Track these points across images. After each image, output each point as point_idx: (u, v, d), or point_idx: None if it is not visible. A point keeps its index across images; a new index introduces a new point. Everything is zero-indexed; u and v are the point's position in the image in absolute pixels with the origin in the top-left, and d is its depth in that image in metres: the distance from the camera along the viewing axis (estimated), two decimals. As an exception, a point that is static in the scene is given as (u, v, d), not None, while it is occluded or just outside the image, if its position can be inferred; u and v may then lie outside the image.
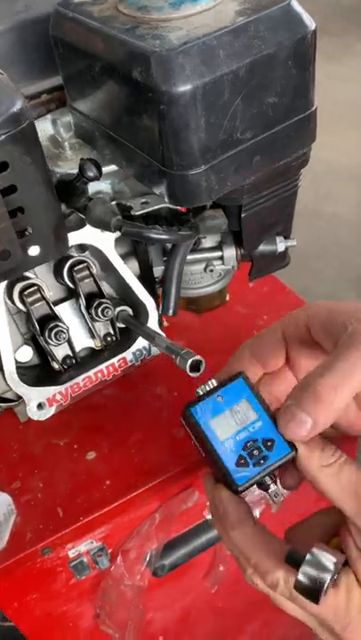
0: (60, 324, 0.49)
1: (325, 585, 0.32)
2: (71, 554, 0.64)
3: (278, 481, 0.37)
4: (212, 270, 0.53)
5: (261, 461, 0.35)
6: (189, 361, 0.42)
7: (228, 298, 0.59)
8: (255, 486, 0.36)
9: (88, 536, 0.64)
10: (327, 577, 0.32)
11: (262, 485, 0.37)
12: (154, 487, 0.64)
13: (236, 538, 0.36)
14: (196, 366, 0.44)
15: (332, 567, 0.33)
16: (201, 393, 0.37)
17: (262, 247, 0.52)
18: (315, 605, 0.33)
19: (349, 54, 3.33)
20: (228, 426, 0.36)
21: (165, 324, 0.79)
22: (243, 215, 0.48)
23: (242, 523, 0.36)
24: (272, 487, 0.37)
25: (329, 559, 0.33)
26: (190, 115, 0.38)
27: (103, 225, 0.44)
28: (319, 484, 0.34)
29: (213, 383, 0.37)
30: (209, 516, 0.72)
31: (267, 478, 0.36)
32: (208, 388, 0.37)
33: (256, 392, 0.36)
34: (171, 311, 0.52)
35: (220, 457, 0.35)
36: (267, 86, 0.41)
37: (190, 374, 0.44)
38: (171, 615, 0.82)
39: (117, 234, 0.48)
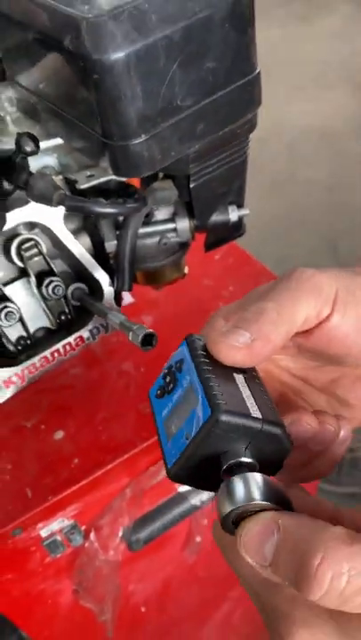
0: (10, 304, 0.48)
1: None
2: (43, 533, 0.64)
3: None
4: (165, 243, 0.52)
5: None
6: (140, 336, 0.42)
7: (186, 270, 0.59)
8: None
9: (59, 515, 0.64)
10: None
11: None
12: (122, 463, 0.65)
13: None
14: (148, 340, 0.43)
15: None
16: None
17: (215, 217, 0.51)
18: None
19: (322, 15, 3.27)
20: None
21: (131, 299, 0.78)
22: (191, 185, 0.47)
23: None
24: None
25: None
26: (125, 83, 0.37)
27: (45, 200, 0.42)
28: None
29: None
30: (181, 489, 0.73)
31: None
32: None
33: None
34: (125, 286, 0.51)
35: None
36: (204, 51, 0.39)
37: (142, 349, 0.43)
38: (152, 586, 0.84)
39: (64, 210, 0.47)
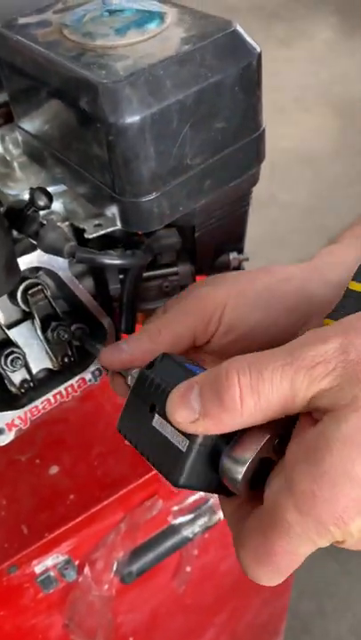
0: (17, 349, 0.48)
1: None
2: (37, 570, 0.64)
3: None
4: (167, 286, 0.53)
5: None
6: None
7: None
8: None
9: (54, 551, 0.64)
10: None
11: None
12: (118, 499, 0.65)
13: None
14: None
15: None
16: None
17: (216, 263, 0.52)
18: None
19: (301, 39, 3.35)
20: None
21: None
22: (196, 235, 0.48)
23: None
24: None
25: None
26: (139, 145, 0.38)
27: (56, 252, 0.43)
28: None
29: None
30: (174, 522, 0.74)
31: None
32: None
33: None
34: (129, 328, 0.52)
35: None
36: (215, 113, 0.41)
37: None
38: (140, 617, 0.84)
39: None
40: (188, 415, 0.29)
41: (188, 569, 0.82)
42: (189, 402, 0.29)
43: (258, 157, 0.46)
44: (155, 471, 0.67)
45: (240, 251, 0.54)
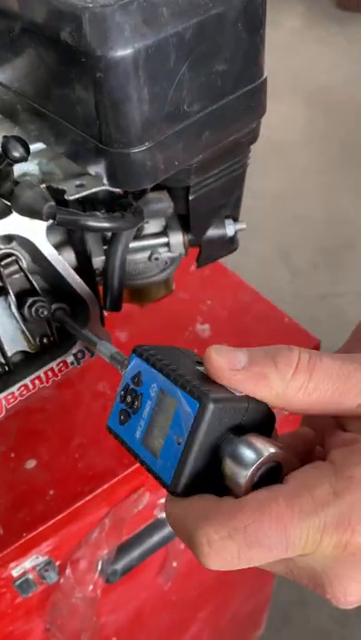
0: (-12, 327, 0.43)
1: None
2: (15, 573, 0.59)
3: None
4: (157, 259, 0.48)
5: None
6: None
7: (174, 287, 0.55)
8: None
9: (33, 552, 0.58)
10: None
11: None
12: (101, 493, 0.60)
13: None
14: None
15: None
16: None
17: (211, 231, 0.48)
18: None
19: (269, 27, 3.32)
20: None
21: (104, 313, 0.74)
22: (190, 197, 0.43)
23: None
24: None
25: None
26: (131, 83, 0.33)
27: (33, 213, 0.38)
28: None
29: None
30: (160, 515, 0.69)
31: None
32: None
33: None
34: (115, 306, 0.47)
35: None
36: (215, 51, 0.36)
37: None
38: (124, 616, 0.79)
39: (50, 222, 0.42)
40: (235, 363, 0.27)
41: (175, 564, 0.78)
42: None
43: (259, 109, 0.42)
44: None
45: (235, 218, 0.49)
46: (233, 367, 0.27)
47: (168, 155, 0.37)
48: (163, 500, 0.67)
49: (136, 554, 0.69)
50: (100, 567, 0.64)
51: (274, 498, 0.24)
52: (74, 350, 0.48)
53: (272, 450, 0.27)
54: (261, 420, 0.29)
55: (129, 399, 0.31)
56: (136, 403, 0.30)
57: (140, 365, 0.31)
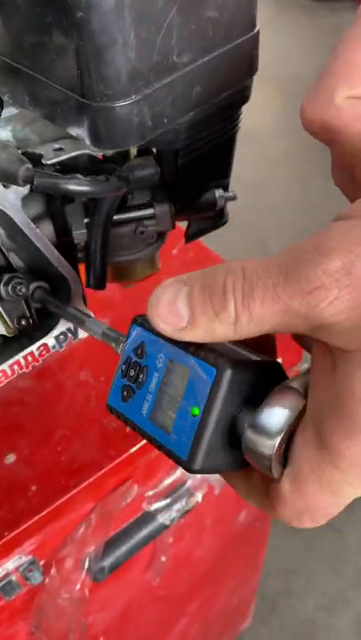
0: None
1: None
2: (-4, 574, 0.55)
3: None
4: (143, 232, 0.45)
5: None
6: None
7: (160, 266, 0.52)
8: None
9: (15, 552, 0.55)
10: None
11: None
12: (87, 487, 0.57)
13: None
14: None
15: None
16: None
17: (201, 202, 0.44)
18: None
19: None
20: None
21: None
22: (180, 162, 0.40)
23: None
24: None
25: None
26: (116, 25, 0.30)
27: (8, 177, 0.34)
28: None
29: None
30: (149, 508, 0.66)
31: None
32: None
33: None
34: (98, 284, 0.44)
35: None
36: (207, -5, 0.33)
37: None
38: (112, 614, 0.76)
39: (26, 190, 0.39)
40: (176, 322, 0.25)
41: (164, 558, 0.75)
42: (176, 307, 0.25)
43: (251, 66, 0.39)
44: (128, 453, 0.59)
45: (225, 188, 0.46)
46: (177, 327, 0.25)
47: (156, 110, 0.34)
48: (151, 493, 0.64)
49: (124, 549, 0.65)
50: (87, 565, 0.61)
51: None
52: (55, 332, 0.44)
53: (296, 406, 0.25)
54: (275, 378, 0.27)
55: (132, 373, 0.29)
56: (141, 376, 0.28)
57: (144, 336, 0.28)
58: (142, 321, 0.29)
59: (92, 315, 0.42)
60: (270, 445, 0.25)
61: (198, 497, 0.70)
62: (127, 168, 0.40)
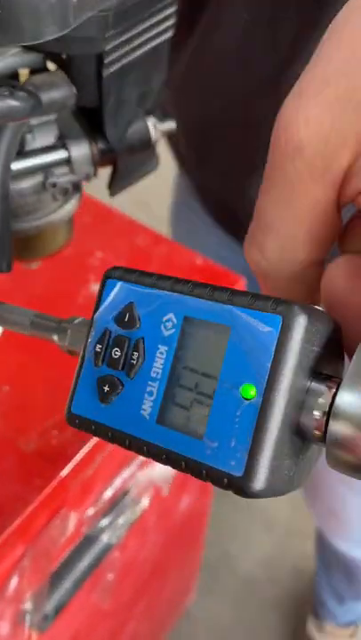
0: None
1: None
2: None
3: None
4: (54, 185, 0.32)
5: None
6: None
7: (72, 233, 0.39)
8: None
9: None
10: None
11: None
12: (14, 532, 0.44)
13: None
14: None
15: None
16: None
17: (131, 134, 0.32)
18: None
19: None
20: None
21: None
22: (104, 74, 0.27)
23: None
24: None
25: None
26: None
27: None
28: None
29: None
30: (91, 531, 0.54)
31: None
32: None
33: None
34: (4, 265, 0.30)
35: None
36: None
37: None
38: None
39: None
40: None
41: (111, 577, 0.65)
42: None
43: None
44: (58, 478, 0.46)
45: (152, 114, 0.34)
46: None
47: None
48: (91, 512, 0.53)
49: (68, 586, 0.54)
50: (27, 621, 0.49)
51: None
52: None
53: None
54: (336, 343, 0.19)
55: (116, 354, 0.19)
56: (135, 356, 0.18)
57: (131, 293, 0.19)
58: (122, 274, 0.19)
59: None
60: None
61: (145, 502, 0.59)
62: (31, 86, 0.26)
